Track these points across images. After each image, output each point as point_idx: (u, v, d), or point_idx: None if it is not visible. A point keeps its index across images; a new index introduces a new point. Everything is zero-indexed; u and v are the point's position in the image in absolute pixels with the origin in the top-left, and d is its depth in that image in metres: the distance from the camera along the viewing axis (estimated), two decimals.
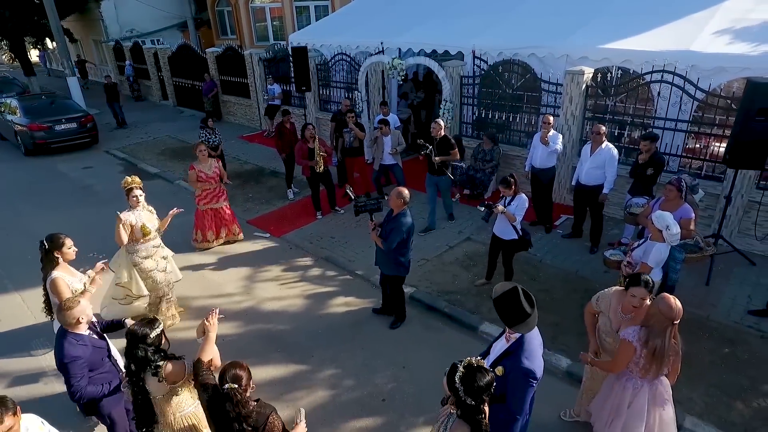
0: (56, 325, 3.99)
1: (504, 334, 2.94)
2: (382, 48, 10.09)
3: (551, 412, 4.16)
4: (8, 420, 2.38)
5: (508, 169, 8.61)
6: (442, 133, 7.05)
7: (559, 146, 6.81)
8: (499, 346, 2.91)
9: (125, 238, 5.09)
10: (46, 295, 4.08)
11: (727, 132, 6.17)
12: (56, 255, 4.00)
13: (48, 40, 23.31)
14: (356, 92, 10.22)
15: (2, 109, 13.59)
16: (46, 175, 11.19)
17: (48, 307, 4.15)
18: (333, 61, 11.20)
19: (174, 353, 3.13)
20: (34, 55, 29.45)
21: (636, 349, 3.05)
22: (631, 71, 7.21)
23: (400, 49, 9.99)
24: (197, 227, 7.20)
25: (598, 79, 7.44)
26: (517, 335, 2.83)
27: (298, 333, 5.39)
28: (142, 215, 5.26)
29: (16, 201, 9.64)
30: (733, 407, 4.08)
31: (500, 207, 5.28)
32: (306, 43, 11.62)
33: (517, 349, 2.80)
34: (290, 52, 12.18)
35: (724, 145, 6.45)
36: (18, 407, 2.47)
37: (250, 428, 2.57)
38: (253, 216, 8.42)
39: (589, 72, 7.35)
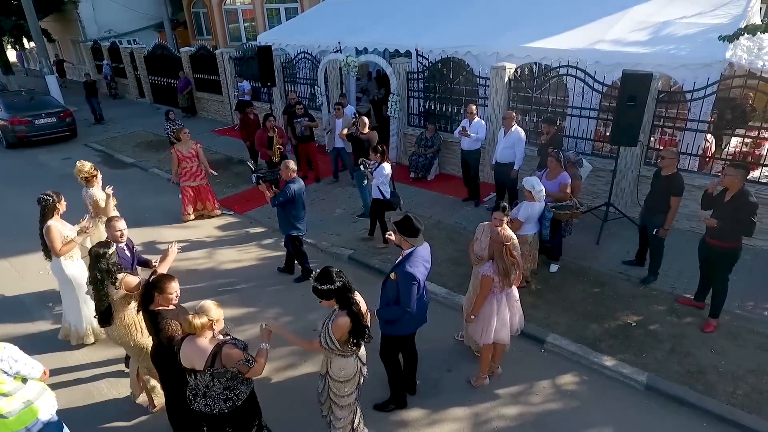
0: (54, 265, 5.02)
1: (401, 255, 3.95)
2: (340, 47, 11.08)
3: (449, 334, 5.21)
4: None
5: (447, 153, 9.70)
6: (366, 131, 7.84)
7: (480, 134, 7.86)
8: (396, 262, 3.92)
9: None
10: (42, 240, 4.97)
11: None
12: (58, 207, 4.95)
13: (26, 40, 23.76)
14: (316, 87, 11.19)
15: None
16: (27, 165, 11.94)
17: (46, 251, 5.03)
18: (296, 59, 12.15)
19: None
20: (11, 55, 29.72)
21: (494, 278, 4.07)
22: (543, 66, 8.32)
23: (356, 48, 10.99)
24: (183, 203, 8.25)
25: (518, 74, 8.52)
26: (407, 252, 3.81)
27: (251, 285, 6.36)
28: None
29: (0, 187, 10.39)
30: (589, 328, 5.17)
31: (367, 172, 6.65)
32: (273, 43, 12.54)
33: (404, 260, 3.80)
34: (257, 50, 13.17)
35: None
36: None
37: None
38: (219, 197, 9.32)
39: (510, 67, 8.45)
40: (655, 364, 4.62)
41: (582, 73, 7.58)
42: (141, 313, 3.73)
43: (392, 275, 3.82)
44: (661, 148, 7.62)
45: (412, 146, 9.91)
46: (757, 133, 7.22)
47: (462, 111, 9.43)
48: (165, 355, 3.56)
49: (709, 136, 7.42)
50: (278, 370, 4.85)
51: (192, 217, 8.29)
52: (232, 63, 14.10)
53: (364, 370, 3.64)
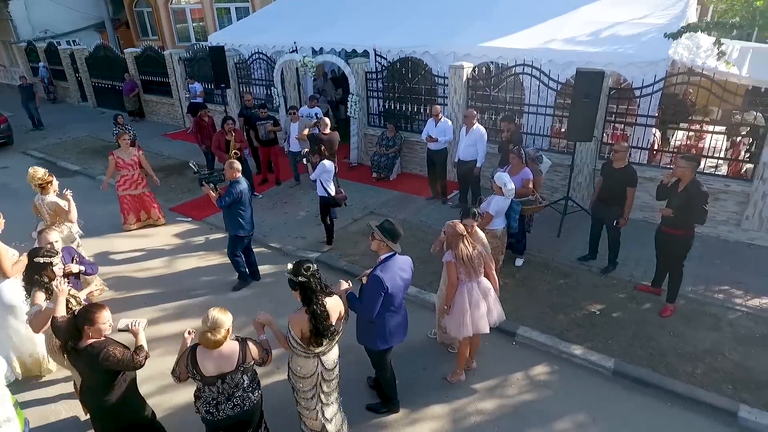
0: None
1: None
2: (296, 47, 10.91)
3: (422, 333, 5.23)
4: None
5: (409, 153, 9.75)
6: (327, 131, 7.90)
7: (447, 136, 7.94)
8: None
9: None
10: None
11: None
12: None
13: None
14: (273, 89, 10.97)
15: None
16: None
17: None
18: (251, 60, 11.87)
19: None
20: None
21: (455, 264, 4.11)
22: (500, 65, 8.52)
23: (313, 48, 10.85)
24: (122, 211, 7.77)
25: (476, 73, 8.68)
26: (384, 256, 3.72)
27: (214, 293, 6.16)
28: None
29: None
30: (556, 318, 5.32)
31: (309, 168, 6.81)
32: (225, 43, 12.18)
33: (378, 265, 3.72)
34: (209, 51, 12.78)
35: None
36: None
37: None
38: (175, 204, 8.97)
39: (468, 66, 8.59)
40: (620, 350, 4.81)
41: (538, 72, 7.79)
42: (66, 354, 3.25)
43: (364, 279, 3.79)
44: (613, 142, 7.98)
45: (374, 146, 9.89)
46: (700, 126, 7.69)
47: (422, 110, 9.54)
48: (96, 392, 3.27)
49: (654, 130, 7.81)
50: None
51: (134, 226, 7.89)
52: (182, 64, 13.61)
53: (327, 375, 3.60)
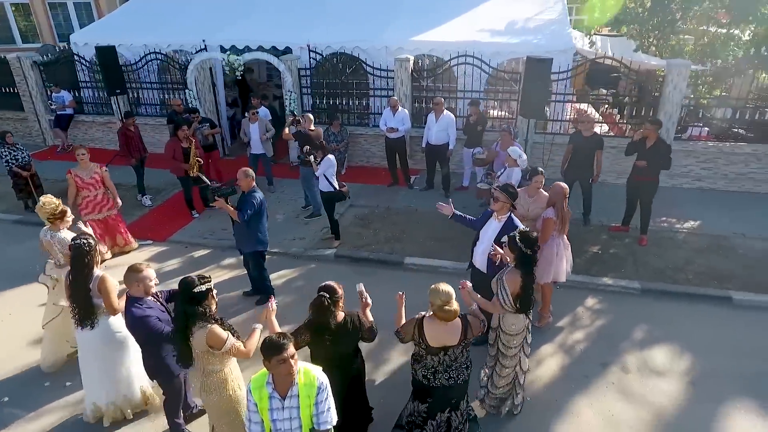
0: (99, 331, 3.90)
1: (490, 220, 4.35)
2: (204, 46, 10.13)
3: None
4: (291, 349, 2.68)
5: (355, 145, 10.00)
6: (312, 127, 7.82)
7: (406, 124, 8.46)
8: (493, 227, 4.31)
9: None
10: (85, 300, 3.79)
11: (512, 97, 8.87)
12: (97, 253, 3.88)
13: None
14: (188, 91, 10.02)
15: None
16: None
17: (87, 315, 3.79)
18: (144, 61, 10.56)
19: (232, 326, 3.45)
20: None
21: (554, 220, 4.82)
22: (435, 58, 9.39)
23: (221, 46, 10.20)
24: None
25: (419, 65, 9.38)
26: (505, 216, 4.33)
27: (251, 306, 5.79)
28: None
29: None
30: (574, 262, 6.37)
31: (314, 165, 6.76)
32: (97, 43, 10.58)
33: (511, 222, 4.31)
34: (75, 53, 11.00)
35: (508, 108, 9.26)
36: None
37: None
38: None
39: (412, 59, 9.22)
40: (633, 274, 6.09)
41: (479, 62, 8.82)
42: (321, 334, 3.34)
43: (505, 239, 4.22)
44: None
45: None
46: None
47: (363, 104, 9.88)
48: (347, 360, 3.52)
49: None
50: None
51: (109, 255, 6.73)
52: (37, 70, 11.33)
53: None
